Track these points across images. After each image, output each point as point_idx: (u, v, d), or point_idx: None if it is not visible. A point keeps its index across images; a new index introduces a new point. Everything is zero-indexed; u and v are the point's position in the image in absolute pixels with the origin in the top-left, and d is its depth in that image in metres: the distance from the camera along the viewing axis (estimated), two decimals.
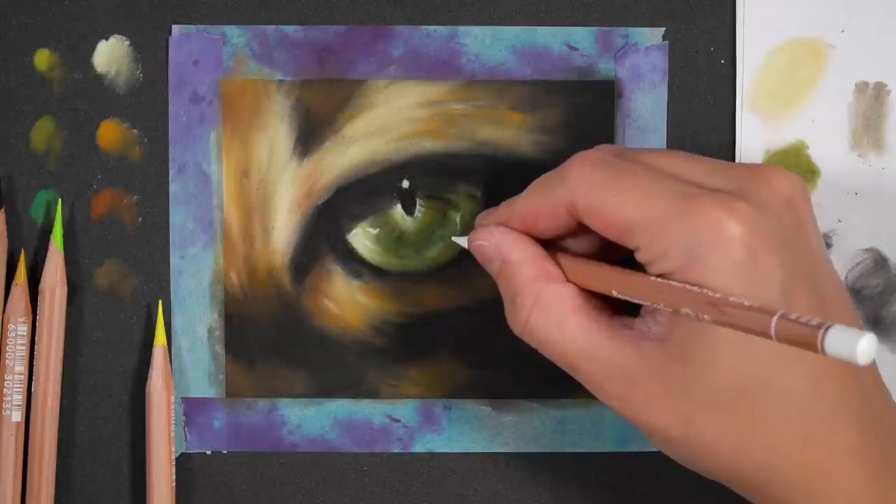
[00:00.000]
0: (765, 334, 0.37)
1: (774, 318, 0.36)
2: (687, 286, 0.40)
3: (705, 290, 0.40)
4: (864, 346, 0.34)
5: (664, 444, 0.44)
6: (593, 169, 0.43)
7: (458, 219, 0.51)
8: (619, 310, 0.45)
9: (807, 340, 0.35)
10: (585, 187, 0.43)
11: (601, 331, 0.43)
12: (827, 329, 0.35)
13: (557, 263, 0.45)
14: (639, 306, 0.44)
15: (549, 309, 0.44)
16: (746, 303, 0.38)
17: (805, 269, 0.42)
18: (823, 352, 0.35)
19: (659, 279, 0.41)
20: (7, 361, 0.50)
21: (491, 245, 0.45)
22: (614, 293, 0.43)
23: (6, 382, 0.50)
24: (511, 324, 0.45)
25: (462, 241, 0.48)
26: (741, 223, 0.40)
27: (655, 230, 0.41)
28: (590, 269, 0.44)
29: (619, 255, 0.45)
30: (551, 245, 0.45)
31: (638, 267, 0.43)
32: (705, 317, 0.39)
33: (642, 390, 0.42)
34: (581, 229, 0.44)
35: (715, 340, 0.41)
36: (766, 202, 0.41)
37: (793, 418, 0.41)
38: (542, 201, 0.44)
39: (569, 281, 0.44)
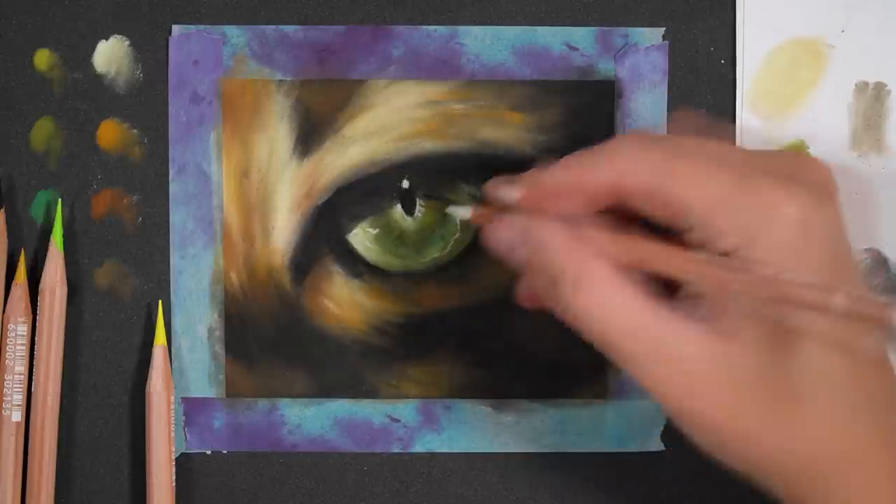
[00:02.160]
0: (825, 310, 0.37)
1: (841, 292, 0.37)
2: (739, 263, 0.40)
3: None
4: None
5: (702, 431, 0.42)
6: (645, 148, 0.42)
7: (458, 219, 0.51)
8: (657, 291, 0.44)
9: (875, 314, 0.36)
10: (636, 166, 0.42)
11: (645, 309, 0.42)
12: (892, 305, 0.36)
13: (591, 240, 0.43)
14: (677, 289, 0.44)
15: (591, 288, 0.42)
16: (801, 282, 0.38)
17: (843, 255, 0.42)
18: (889, 324, 0.36)
19: (710, 257, 0.41)
20: (7, 361, 0.50)
21: (516, 234, 0.44)
22: (659, 265, 0.42)
23: (6, 382, 0.50)
24: (553, 307, 0.43)
25: (458, 212, 0.46)
26: (800, 205, 0.40)
27: (714, 209, 0.41)
28: (628, 243, 0.43)
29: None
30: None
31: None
32: (761, 293, 0.39)
33: (686, 372, 0.42)
34: (601, 213, 0.43)
35: (763, 326, 0.41)
36: (815, 189, 0.41)
37: (834, 409, 0.41)
38: (581, 177, 0.43)
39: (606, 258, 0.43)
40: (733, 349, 0.41)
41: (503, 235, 0.44)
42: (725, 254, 0.41)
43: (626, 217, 0.43)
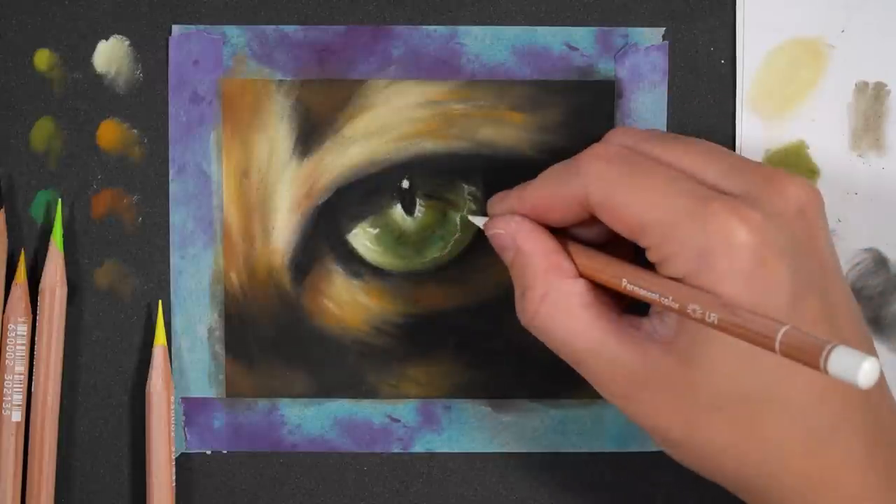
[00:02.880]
0: (769, 346, 0.37)
1: (780, 331, 0.36)
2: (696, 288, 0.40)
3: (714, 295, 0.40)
4: (866, 370, 0.34)
5: (667, 446, 0.44)
6: (609, 165, 0.43)
7: (457, 219, 0.51)
8: (628, 311, 0.45)
9: (810, 358, 0.35)
10: (599, 183, 0.42)
11: (609, 329, 0.43)
12: (831, 349, 0.35)
13: (570, 257, 0.45)
14: (646, 309, 0.44)
15: (559, 304, 0.44)
16: (754, 313, 0.38)
17: (815, 279, 0.42)
18: (826, 371, 0.35)
19: (666, 281, 0.41)
20: (7, 361, 0.50)
21: (507, 234, 0.45)
22: (624, 284, 0.42)
23: (6, 382, 0.50)
24: (519, 315, 0.45)
25: (477, 221, 0.48)
26: (752, 231, 0.40)
27: (666, 232, 0.41)
28: (602, 262, 0.44)
29: (630, 248, 0.45)
30: (562, 233, 0.45)
31: (648, 263, 0.43)
32: (712, 315, 0.39)
33: (646, 391, 0.42)
34: (593, 220, 0.44)
35: (721, 346, 0.41)
36: (779, 210, 0.41)
37: (795, 428, 0.41)
38: (555, 192, 0.44)
39: (580, 276, 0.44)
40: (692, 372, 0.41)
41: (498, 231, 0.46)
42: (679, 277, 0.41)
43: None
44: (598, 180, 0.42)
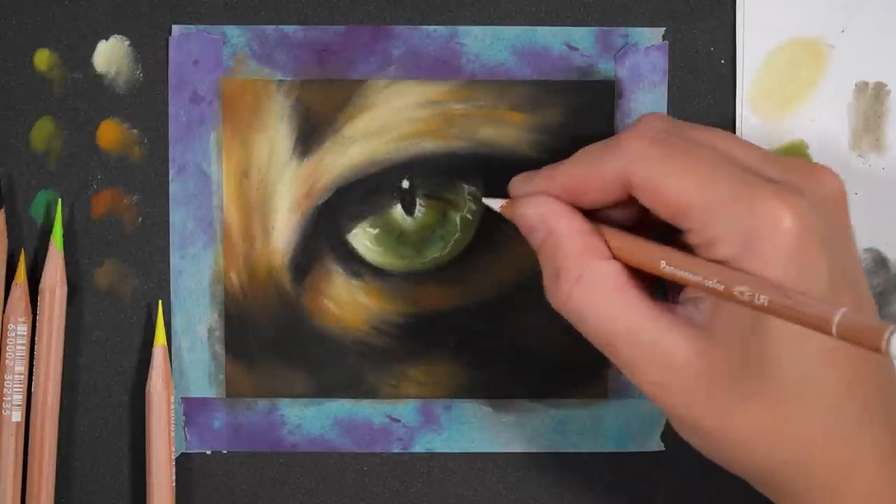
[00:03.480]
0: (825, 329, 0.37)
1: (839, 313, 0.37)
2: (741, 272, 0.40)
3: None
4: None
5: (695, 435, 0.43)
6: (652, 144, 0.42)
7: (458, 219, 0.51)
8: (661, 296, 0.44)
9: (870, 339, 0.35)
10: (643, 162, 0.42)
11: (644, 313, 0.42)
12: (893, 331, 0.35)
13: (603, 238, 0.44)
14: (678, 294, 0.44)
15: (594, 286, 0.43)
16: (807, 296, 0.38)
17: (848, 271, 0.42)
18: (887, 353, 0.35)
19: (709, 264, 0.41)
20: (7, 361, 0.50)
21: (536, 215, 0.44)
22: (663, 266, 0.41)
23: (6, 382, 0.50)
24: (551, 298, 0.43)
25: (493, 203, 0.47)
26: (798, 217, 0.40)
27: (711, 214, 0.40)
28: (637, 245, 0.43)
29: (658, 234, 0.44)
30: (591, 217, 0.44)
31: (682, 248, 0.42)
32: (762, 297, 0.39)
33: (680, 377, 0.42)
34: (625, 203, 0.43)
35: (761, 334, 0.40)
36: (820, 200, 0.41)
37: (827, 417, 0.41)
38: (592, 171, 0.43)
39: (614, 258, 0.43)
40: (724, 356, 0.41)
41: (527, 212, 0.44)
42: (722, 260, 0.41)
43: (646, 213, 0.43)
44: (641, 159, 0.42)
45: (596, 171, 0.43)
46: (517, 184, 0.46)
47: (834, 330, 0.37)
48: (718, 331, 0.41)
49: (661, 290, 0.44)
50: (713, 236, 0.41)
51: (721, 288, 0.40)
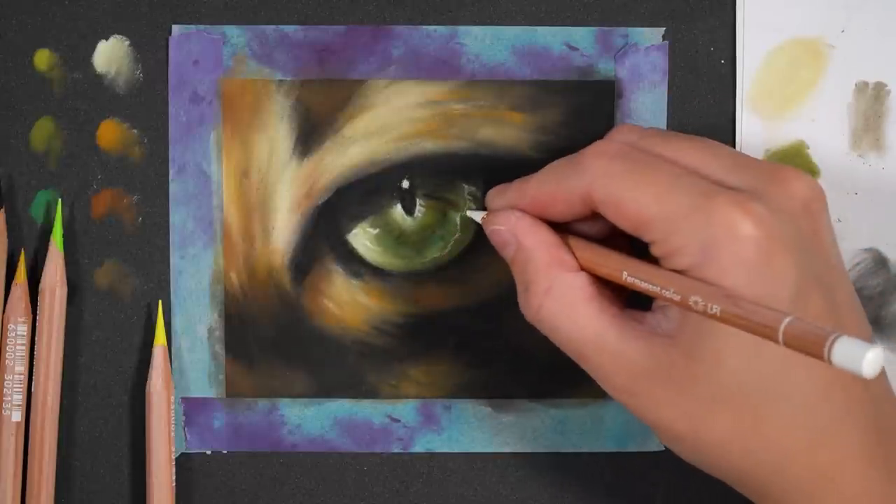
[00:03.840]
0: (772, 337, 0.37)
1: (784, 322, 0.36)
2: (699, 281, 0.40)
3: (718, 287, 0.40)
4: (870, 359, 0.34)
5: (671, 441, 0.44)
6: (612, 161, 0.43)
7: (457, 219, 0.51)
8: (631, 305, 0.45)
9: (814, 348, 0.35)
10: (603, 179, 0.43)
11: (612, 322, 0.43)
12: (835, 339, 0.35)
13: (571, 251, 0.45)
14: (649, 303, 0.44)
15: (562, 297, 0.44)
16: (756, 304, 0.38)
17: (818, 274, 0.42)
18: (830, 361, 0.35)
19: (669, 274, 0.41)
20: (7, 361, 0.50)
21: (507, 230, 0.45)
22: (625, 276, 0.42)
23: (6, 382, 0.50)
24: (523, 310, 0.45)
25: (476, 216, 0.48)
26: (756, 224, 0.40)
27: (671, 226, 0.41)
28: (603, 256, 0.44)
29: (629, 245, 0.45)
30: (562, 227, 0.45)
31: (650, 260, 0.43)
32: (714, 307, 0.39)
33: (650, 385, 0.42)
34: (593, 215, 0.44)
35: (724, 339, 0.41)
36: (784, 205, 0.41)
37: (799, 421, 0.41)
38: (558, 187, 0.44)
39: (582, 270, 0.44)
40: (689, 363, 0.42)
41: (498, 227, 0.46)
42: (683, 270, 0.41)
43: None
44: (602, 177, 0.43)
45: (561, 186, 0.44)
46: (491, 197, 0.47)
47: (780, 338, 0.37)
48: (684, 338, 0.42)
49: (635, 298, 0.45)
50: (674, 247, 0.41)
51: (677, 298, 0.40)
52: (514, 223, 0.45)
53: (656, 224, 0.41)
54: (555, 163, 0.45)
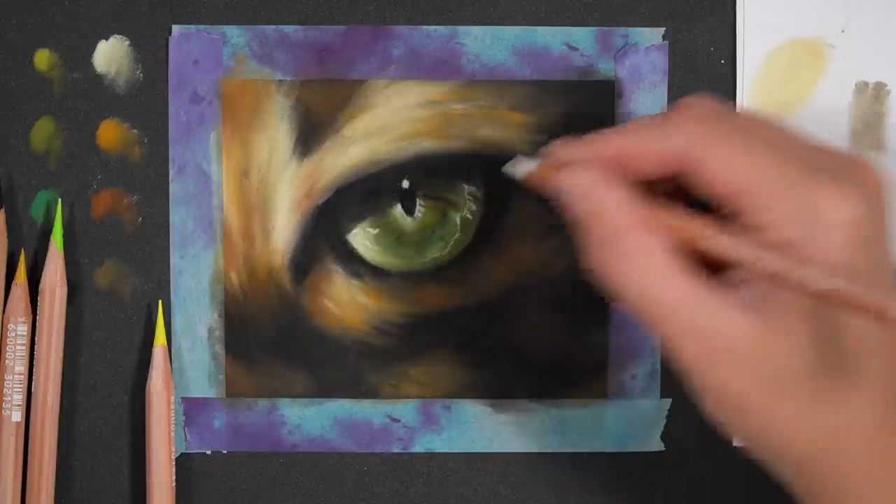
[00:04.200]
0: (884, 317, 0.37)
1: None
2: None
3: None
4: None
5: (734, 412, 0.41)
6: (711, 123, 0.41)
7: (457, 219, 0.51)
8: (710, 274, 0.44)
9: None
10: (704, 139, 0.41)
11: (695, 290, 0.41)
12: None
13: (655, 212, 0.42)
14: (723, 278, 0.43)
15: (645, 259, 0.42)
16: (867, 286, 0.38)
17: (886, 264, 0.42)
18: None
19: (765, 247, 0.41)
20: (7, 361, 0.50)
21: (584, 182, 0.43)
22: (724, 245, 0.41)
23: (6, 382, 0.50)
24: (596, 267, 0.42)
25: (520, 168, 0.45)
26: (855, 209, 0.40)
27: (771, 196, 0.40)
28: (689, 220, 0.42)
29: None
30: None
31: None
32: (825, 283, 0.39)
33: (727, 355, 0.41)
34: (664, 179, 0.43)
35: (839, 327, 0.40)
36: (872, 192, 0.41)
37: (875, 407, 0.41)
38: (647, 145, 0.42)
39: (656, 232, 0.43)
40: (779, 337, 0.40)
41: (575, 180, 0.43)
42: (775, 245, 0.40)
43: (681, 196, 0.43)
44: (702, 136, 0.41)
45: (652, 144, 0.42)
46: (559, 149, 0.44)
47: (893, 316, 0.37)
48: (779, 316, 0.41)
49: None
50: (771, 220, 0.40)
51: (783, 271, 0.40)
52: (595, 176, 0.43)
53: (756, 194, 0.40)
54: (640, 119, 0.43)
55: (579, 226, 0.42)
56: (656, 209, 0.42)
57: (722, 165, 0.41)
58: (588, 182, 0.42)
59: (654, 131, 0.42)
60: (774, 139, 0.41)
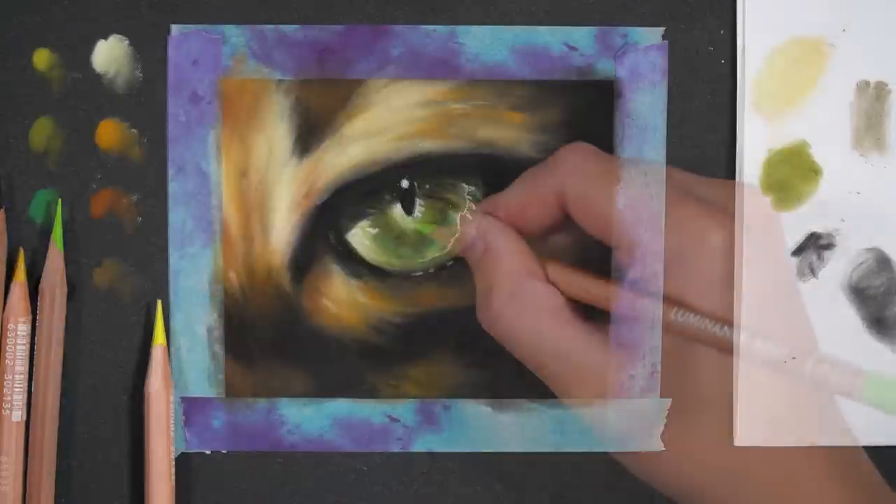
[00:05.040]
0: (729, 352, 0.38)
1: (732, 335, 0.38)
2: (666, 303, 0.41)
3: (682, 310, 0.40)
4: None
5: (636, 460, 0.44)
6: (585, 158, 0.43)
7: (458, 219, 0.51)
8: (594, 315, 0.45)
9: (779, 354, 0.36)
10: (577, 176, 0.43)
11: (576, 334, 0.43)
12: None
13: (540, 264, 0.45)
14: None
15: (527, 305, 0.44)
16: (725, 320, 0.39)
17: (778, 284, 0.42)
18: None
19: (622, 287, 0.42)
20: (7, 361, 0.50)
21: (475, 231, 0.46)
22: (594, 298, 0.43)
23: (6, 382, 0.50)
24: (481, 314, 0.45)
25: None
26: (725, 236, 0.40)
27: (641, 230, 0.41)
28: (570, 274, 0.44)
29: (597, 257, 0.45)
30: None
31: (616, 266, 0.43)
32: (681, 316, 0.39)
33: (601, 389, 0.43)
34: (563, 228, 0.44)
35: (688, 353, 0.41)
36: (748, 219, 0.42)
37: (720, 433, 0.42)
38: (531, 191, 0.45)
39: (549, 281, 0.45)
40: (664, 377, 0.42)
41: (467, 229, 0.47)
42: (650, 276, 0.41)
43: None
44: (574, 173, 0.43)
45: (535, 189, 0.45)
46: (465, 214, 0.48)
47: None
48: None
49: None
50: (641, 254, 0.41)
51: (642, 314, 0.41)
52: (483, 226, 0.45)
53: (625, 228, 0.41)
54: (527, 171, 0.46)
55: (476, 272, 0.45)
56: (542, 261, 0.44)
57: (594, 201, 0.42)
58: (479, 229, 0.46)
59: (531, 179, 0.45)
60: (641, 176, 0.43)
